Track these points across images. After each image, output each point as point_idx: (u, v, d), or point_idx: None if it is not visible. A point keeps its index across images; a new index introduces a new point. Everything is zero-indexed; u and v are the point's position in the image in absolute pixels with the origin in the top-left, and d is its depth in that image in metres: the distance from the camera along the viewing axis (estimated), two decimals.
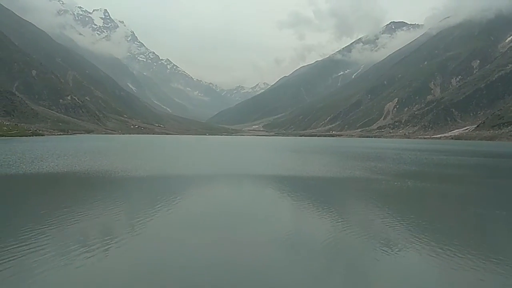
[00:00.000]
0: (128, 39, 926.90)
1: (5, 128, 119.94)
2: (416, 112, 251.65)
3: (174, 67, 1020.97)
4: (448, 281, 7.78)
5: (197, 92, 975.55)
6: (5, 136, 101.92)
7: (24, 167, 26.72)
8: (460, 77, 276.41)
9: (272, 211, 14.58)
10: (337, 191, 20.22)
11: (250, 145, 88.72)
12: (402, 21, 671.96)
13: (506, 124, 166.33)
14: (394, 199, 17.43)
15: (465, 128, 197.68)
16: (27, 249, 8.87)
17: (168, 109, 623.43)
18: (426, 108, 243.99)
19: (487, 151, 65.51)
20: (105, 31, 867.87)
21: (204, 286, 7.33)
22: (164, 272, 8.00)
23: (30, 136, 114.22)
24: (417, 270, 8.20)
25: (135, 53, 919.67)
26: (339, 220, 12.42)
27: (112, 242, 9.70)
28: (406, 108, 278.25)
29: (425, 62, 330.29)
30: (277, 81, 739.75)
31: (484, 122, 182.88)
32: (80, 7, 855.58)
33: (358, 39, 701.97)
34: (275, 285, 7.42)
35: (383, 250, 9.31)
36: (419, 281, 7.66)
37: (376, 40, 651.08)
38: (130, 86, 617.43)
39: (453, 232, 11.58)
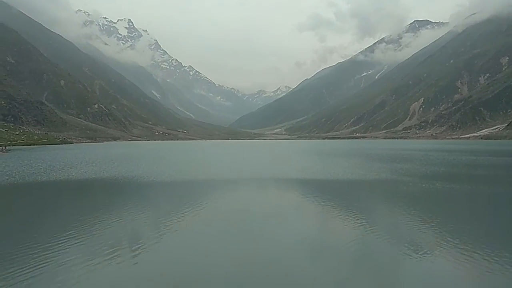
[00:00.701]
0: (152, 47, 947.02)
1: (35, 137, 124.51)
2: (443, 112, 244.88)
3: (197, 73, 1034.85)
4: (476, 286, 7.51)
5: (219, 97, 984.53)
6: (36, 144, 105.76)
7: (54, 174, 27.63)
8: (488, 74, 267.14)
9: (297, 215, 14.50)
10: (362, 194, 19.89)
11: (273, 149, 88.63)
12: (426, 19, 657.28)
13: None
14: (421, 201, 16.98)
15: (494, 127, 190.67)
16: (57, 254, 9.16)
17: (191, 115, 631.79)
18: (453, 108, 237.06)
19: None
20: (129, 40, 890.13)
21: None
22: (189, 277, 8.08)
23: (59, 144, 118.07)
24: (444, 275, 7.95)
25: (158, 60, 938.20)
26: (365, 224, 12.21)
27: (140, 247, 9.88)
28: (433, 108, 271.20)
29: (451, 61, 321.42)
30: (298, 84, 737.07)
31: None
32: (105, 18, 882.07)
33: (381, 39, 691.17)
34: (298, 286, 7.37)
35: (410, 254, 9.09)
36: (446, 286, 7.42)
37: (400, 40, 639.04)
38: (154, 93, 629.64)
39: (484, 236, 11.17)
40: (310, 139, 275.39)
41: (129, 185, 22.54)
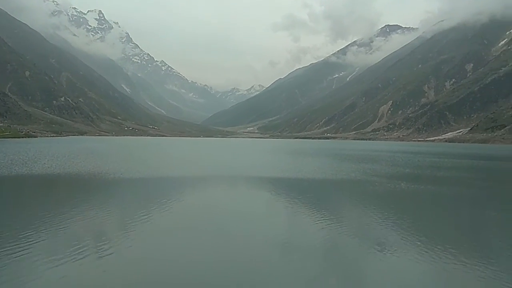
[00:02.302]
0: (123, 40, 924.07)
1: None
2: (410, 115, 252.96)
3: (169, 68, 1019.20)
4: (441, 282, 7.79)
5: (192, 94, 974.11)
6: None
7: (16, 168, 26.46)
8: (454, 80, 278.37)
9: (266, 213, 14.56)
10: (331, 193, 20.24)
11: (245, 147, 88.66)
12: (397, 24, 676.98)
13: (499, 127, 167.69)
14: (387, 200, 17.48)
15: (458, 131, 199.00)
16: (19, 253, 8.76)
17: (162, 111, 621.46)
18: (420, 111, 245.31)
19: (480, 154, 66.01)
20: (99, 32, 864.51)
21: (199, 285, 7.28)
22: (158, 274, 7.94)
23: (23, 137, 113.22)
24: (410, 272, 8.21)
25: (129, 54, 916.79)
26: (333, 222, 12.42)
27: (106, 245, 9.61)
28: (400, 111, 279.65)
29: (419, 65, 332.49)
30: (272, 83, 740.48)
31: (477, 125, 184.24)
32: (74, 8, 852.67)
33: (353, 42, 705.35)
34: (269, 286, 7.39)
35: (377, 252, 9.32)
36: (412, 282, 7.66)
37: (371, 43, 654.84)
38: (124, 87, 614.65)
39: (446, 234, 11.63)
40: (283, 138, 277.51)
41: (95, 181, 21.91)
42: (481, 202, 17.65)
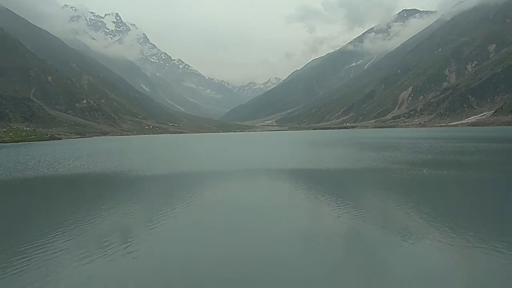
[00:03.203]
0: (140, 41, 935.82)
1: (23, 133, 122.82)
2: (431, 100, 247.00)
3: (186, 66, 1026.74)
4: (465, 270, 7.72)
5: (209, 90, 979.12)
6: (24, 141, 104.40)
7: (43, 170, 27.42)
8: (476, 62, 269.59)
9: (289, 204, 14.65)
10: (352, 182, 20.14)
11: (263, 140, 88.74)
12: (414, 8, 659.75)
13: None
14: (410, 188, 17.27)
15: (482, 114, 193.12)
16: (48, 250, 9.17)
17: (181, 108, 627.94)
18: (441, 96, 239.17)
19: (505, 136, 63.98)
20: (117, 34, 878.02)
21: (225, 279, 7.47)
22: (184, 269, 8.17)
23: (48, 140, 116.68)
24: (433, 260, 8.14)
25: (147, 54, 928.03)
26: (355, 211, 12.41)
27: (132, 240, 9.93)
28: (421, 97, 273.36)
29: (439, 49, 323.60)
30: (288, 76, 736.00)
31: (502, 107, 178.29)
32: (92, 12, 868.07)
33: (370, 29, 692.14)
34: (293, 276, 7.51)
35: (400, 240, 9.29)
36: (435, 270, 7.62)
37: (389, 29, 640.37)
38: (144, 87, 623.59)
39: (471, 220, 11.44)
40: (301, 130, 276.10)
41: (120, 179, 22.49)
42: (507, 187, 17.22)
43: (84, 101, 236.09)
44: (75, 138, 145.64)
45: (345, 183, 19.94)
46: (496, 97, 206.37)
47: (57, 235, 10.27)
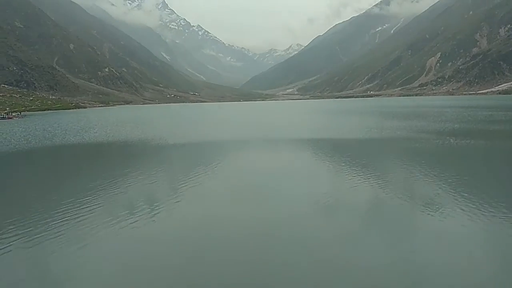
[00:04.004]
0: (159, 7, 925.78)
1: (49, 102, 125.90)
2: (460, 67, 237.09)
3: (206, 33, 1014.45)
4: (491, 243, 7.52)
5: (229, 57, 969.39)
6: (50, 109, 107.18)
7: (70, 138, 28.13)
8: (509, 26, 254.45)
9: (311, 174, 14.56)
10: (376, 152, 19.79)
11: (286, 109, 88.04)
12: None
13: None
14: (435, 158, 16.83)
15: None
16: (76, 215, 9.46)
17: (202, 77, 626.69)
18: (471, 62, 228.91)
19: None
20: (136, 0, 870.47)
21: (246, 247, 7.54)
22: (207, 236, 8.29)
23: (73, 108, 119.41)
24: (456, 229, 7.96)
25: (166, 21, 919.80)
26: (378, 181, 12.21)
27: (156, 208, 10.13)
28: (450, 63, 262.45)
29: (470, 12, 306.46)
30: (310, 42, 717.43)
31: None
32: None
33: None
34: (315, 247, 7.50)
35: (425, 211, 9.11)
36: (459, 242, 7.45)
37: None
38: (164, 55, 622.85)
39: (498, 191, 11.07)
40: (323, 98, 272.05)
41: (143, 147, 22.85)
42: None
43: (106, 70, 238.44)
44: (99, 106, 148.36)
45: (368, 153, 19.61)
46: None
47: (84, 200, 10.57)
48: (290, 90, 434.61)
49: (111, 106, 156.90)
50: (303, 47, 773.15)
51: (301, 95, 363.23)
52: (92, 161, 19.32)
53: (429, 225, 8.24)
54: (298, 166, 16.14)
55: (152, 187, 12.49)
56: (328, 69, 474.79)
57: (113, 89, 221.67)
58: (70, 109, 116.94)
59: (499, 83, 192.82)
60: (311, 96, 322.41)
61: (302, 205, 10.01)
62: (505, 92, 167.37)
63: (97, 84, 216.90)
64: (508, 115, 40.97)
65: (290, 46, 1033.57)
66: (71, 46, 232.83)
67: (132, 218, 9.03)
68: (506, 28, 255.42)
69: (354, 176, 13.03)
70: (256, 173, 14.70)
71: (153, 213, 9.42)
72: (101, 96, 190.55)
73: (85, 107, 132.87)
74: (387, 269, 6.38)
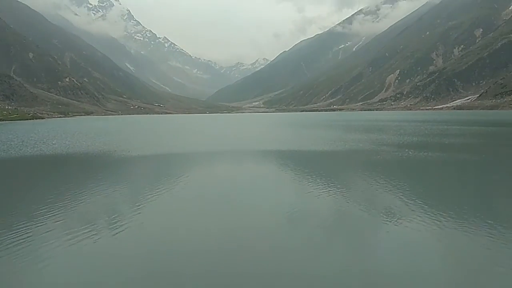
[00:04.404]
0: (124, 18, 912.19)
1: (5, 112, 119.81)
2: (418, 84, 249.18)
3: (172, 45, 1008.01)
4: (448, 251, 7.88)
5: (196, 70, 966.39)
6: (6, 120, 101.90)
7: (27, 149, 26.84)
8: (462, 46, 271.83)
9: (275, 185, 14.69)
10: (339, 164, 20.30)
11: (250, 121, 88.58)
12: None
13: (508, 92, 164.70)
14: (395, 169, 17.50)
15: (467, 98, 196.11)
16: (32, 231, 9.01)
17: (167, 88, 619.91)
18: (428, 79, 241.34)
19: (489, 120, 65.21)
20: (100, 10, 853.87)
21: (211, 260, 7.47)
22: (171, 250, 8.14)
23: (30, 119, 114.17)
24: (420, 240, 8.28)
25: (131, 32, 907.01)
26: (341, 192, 12.51)
27: (118, 221, 9.83)
28: (408, 80, 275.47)
29: (427, 32, 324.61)
30: (276, 56, 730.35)
31: (486, 92, 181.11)
32: None
33: (359, 10, 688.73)
34: (280, 258, 7.55)
35: (386, 220, 9.40)
36: (419, 251, 7.76)
37: (378, 11, 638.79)
38: (128, 66, 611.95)
39: (455, 201, 11.65)
40: (289, 112, 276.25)
41: (105, 159, 22.19)
42: (490, 168, 17.59)
43: (67, 79, 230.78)
44: (58, 117, 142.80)
45: (332, 164, 20.09)
46: (481, 82, 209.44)
47: (41, 215, 10.09)
48: (256, 103, 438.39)
49: (71, 117, 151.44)
50: (269, 62, 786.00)
51: (267, 108, 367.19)
52: (51, 174, 18.52)
53: (390, 235, 8.50)
54: (264, 178, 16.25)
55: (113, 200, 12.13)
56: (293, 84, 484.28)
57: (73, 100, 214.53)
58: (27, 119, 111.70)
59: (454, 99, 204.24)
60: (277, 109, 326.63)
61: (267, 217, 10.07)
62: (459, 107, 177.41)
63: (56, 94, 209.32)
64: (461, 129, 43.36)
65: (257, 60, 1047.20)
66: (30, 55, 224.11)
67: (92, 234, 8.70)
68: (460, 48, 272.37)
69: (319, 187, 13.27)
70: (222, 185, 14.67)
71: (114, 228, 9.13)
72: (60, 106, 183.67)
73: (43, 118, 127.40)
74: (349, 278, 6.53)
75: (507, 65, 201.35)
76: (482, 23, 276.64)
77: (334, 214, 10.24)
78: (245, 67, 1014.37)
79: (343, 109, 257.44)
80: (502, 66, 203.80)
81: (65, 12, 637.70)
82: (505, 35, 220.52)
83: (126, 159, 21.83)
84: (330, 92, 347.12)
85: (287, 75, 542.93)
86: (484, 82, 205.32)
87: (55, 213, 10.30)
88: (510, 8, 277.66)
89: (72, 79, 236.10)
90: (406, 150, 23.01)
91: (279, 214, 10.19)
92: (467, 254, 7.43)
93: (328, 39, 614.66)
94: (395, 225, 8.98)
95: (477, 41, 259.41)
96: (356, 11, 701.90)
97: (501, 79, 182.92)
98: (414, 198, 11.30)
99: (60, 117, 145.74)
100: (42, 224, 9.31)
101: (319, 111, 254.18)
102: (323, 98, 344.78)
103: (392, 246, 7.91)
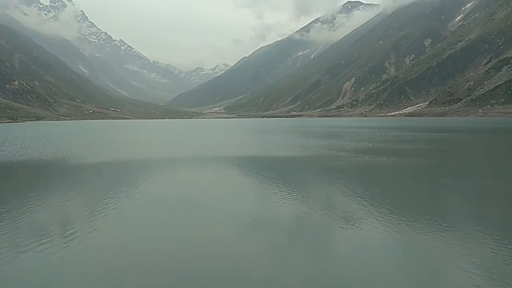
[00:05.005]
0: (78, 19, 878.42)
1: None
2: (372, 91, 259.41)
3: (129, 48, 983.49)
4: (407, 251, 8.20)
5: (154, 74, 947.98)
6: None
7: None
8: (413, 55, 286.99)
9: (234, 192, 14.66)
10: (298, 169, 20.61)
11: (211, 127, 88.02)
12: (358, 1, 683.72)
13: (455, 100, 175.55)
14: (353, 174, 18.03)
15: (418, 106, 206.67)
16: None
17: (124, 93, 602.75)
18: (381, 87, 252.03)
19: (438, 127, 69.11)
20: (52, 10, 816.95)
21: (168, 270, 7.29)
22: (128, 259, 7.86)
23: None
24: (378, 242, 8.55)
25: (85, 33, 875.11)
26: (302, 197, 12.70)
27: (72, 233, 9.35)
28: (363, 87, 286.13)
29: (380, 42, 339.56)
30: (237, 62, 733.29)
31: (435, 99, 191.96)
32: None
33: (316, 19, 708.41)
34: (240, 264, 7.51)
35: (345, 224, 9.64)
36: (380, 253, 8.01)
37: (334, 20, 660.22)
38: (82, 69, 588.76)
39: (407, 203, 12.19)
40: (249, 117, 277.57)
41: (58, 166, 21.10)
42: (441, 172, 18.58)
43: (16, 82, 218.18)
44: (6, 122, 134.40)
45: (292, 170, 20.36)
46: (430, 90, 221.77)
47: None
48: (217, 108, 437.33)
49: (20, 122, 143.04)
50: (229, 67, 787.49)
51: (227, 113, 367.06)
52: None
53: (349, 238, 8.73)
54: (224, 184, 16.18)
55: (67, 209, 11.54)
56: (254, 90, 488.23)
57: (23, 104, 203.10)
58: None
59: (406, 106, 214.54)
60: (238, 115, 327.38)
61: (227, 223, 10.02)
62: (411, 114, 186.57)
63: (4, 98, 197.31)
64: (413, 135, 45.56)
65: (217, 66, 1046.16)
66: None
67: (44, 244, 8.22)
68: (411, 58, 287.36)
69: (279, 193, 13.39)
70: (181, 191, 14.42)
71: (67, 238, 8.68)
72: (9, 111, 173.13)
73: None
74: (310, 282, 6.61)
75: (454, 74, 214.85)
76: (431, 33, 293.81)
77: (294, 219, 10.36)
78: (205, 72, 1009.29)
79: (302, 116, 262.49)
80: (449, 75, 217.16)
81: (14, 11, 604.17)
82: (451, 45, 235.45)
83: (81, 166, 20.90)
84: (289, 98, 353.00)
85: (247, 81, 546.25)
86: (433, 90, 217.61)
87: (3, 223, 9.63)
88: (456, 19, 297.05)
89: (22, 82, 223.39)
90: (363, 155, 23.81)
91: (239, 220, 10.16)
92: (423, 255, 7.76)
93: (287, 46, 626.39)
94: (354, 228, 9.23)
95: (426, 50, 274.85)
96: (313, 19, 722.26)
97: (448, 87, 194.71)
98: (371, 202, 11.70)
99: (8, 122, 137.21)
100: None
101: (279, 117, 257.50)
102: (283, 105, 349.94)
103: (351, 250, 8.13)
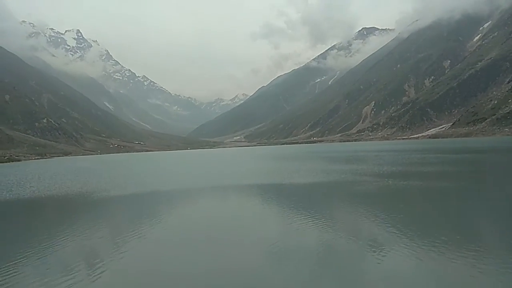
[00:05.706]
0: (103, 58, 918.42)
1: None
2: (393, 114, 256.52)
3: (151, 83, 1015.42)
4: (437, 278, 7.99)
5: (176, 107, 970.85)
6: None
7: (3, 193, 25.99)
8: (433, 77, 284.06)
9: (259, 219, 14.65)
10: (322, 195, 20.44)
11: (232, 156, 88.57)
12: (374, 26, 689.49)
13: (480, 120, 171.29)
14: (377, 199, 17.75)
15: (441, 127, 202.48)
16: (11, 279, 8.67)
17: (147, 126, 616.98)
18: (402, 110, 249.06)
19: (463, 147, 67.34)
20: (78, 51, 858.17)
21: None
22: None
23: (6, 162, 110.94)
24: (406, 269, 8.37)
25: (110, 71, 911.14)
26: (326, 224, 12.59)
27: (100, 265, 9.57)
28: (383, 111, 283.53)
29: (398, 65, 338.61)
30: (255, 92, 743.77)
31: (459, 120, 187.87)
32: (51, 29, 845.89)
33: (332, 46, 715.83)
34: None
35: (371, 251, 9.49)
36: (409, 280, 7.84)
37: (350, 46, 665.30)
38: (107, 105, 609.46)
39: (437, 227, 11.88)
40: (269, 145, 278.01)
41: (84, 200, 21.68)
42: (469, 195, 18.07)
43: (44, 120, 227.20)
44: (35, 159, 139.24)
45: (315, 196, 20.22)
46: (453, 110, 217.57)
47: (19, 260, 9.73)
48: (237, 137, 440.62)
49: (48, 158, 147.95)
50: (248, 97, 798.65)
51: (248, 142, 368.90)
52: (28, 218, 17.93)
53: (377, 265, 8.57)
54: (248, 212, 16.20)
55: (94, 242, 11.82)
56: (273, 117, 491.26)
57: (51, 140, 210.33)
58: (3, 162, 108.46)
59: (428, 128, 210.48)
60: (258, 143, 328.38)
61: (255, 253, 10.01)
62: (434, 136, 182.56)
63: (33, 136, 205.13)
64: (438, 157, 44.56)
65: (236, 96, 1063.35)
66: (7, 97, 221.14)
67: (72, 278, 8.45)
68: (430, 79, 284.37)
69: (303, 220, 13.31)
70: (206, 222, 14.52)
71: (95, 271, 8.89)
72: (37, 148, 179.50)
73: (19, 160, 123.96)
74: None
75: (476, 94, 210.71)
76: (450, 54, 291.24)
77: (320, 247, 10.26)
78: (225, 103, 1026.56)
79: (322, 141, 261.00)
80: (472, 95, 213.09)
81: (42, 53, 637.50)
82: (471, 65, 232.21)
83: (106, 199, 21.40)
84: (309, 124, 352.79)
85: (266, 109, 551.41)
86: (456, 111, 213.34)
87: (33, 258, 9.96)
88: (474, 40, 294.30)
89: (50, 120, 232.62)
90: (386, 179, 23.44)
91: (265, 250, 10.14)
92: (453, 283, 7.54)
93: (305, 73, 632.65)
94: (381, 256, 9.06)
95: (446, 71, 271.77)
96: (329, 47, 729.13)
97: (471, 107, 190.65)
98: (398, 227, 11.48)
99: (37, 158, 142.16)
100: (20, 269, 8.96)
101: (299, 143, 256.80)
102: (303, 131, 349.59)
103: (380, 277, 7.97)
